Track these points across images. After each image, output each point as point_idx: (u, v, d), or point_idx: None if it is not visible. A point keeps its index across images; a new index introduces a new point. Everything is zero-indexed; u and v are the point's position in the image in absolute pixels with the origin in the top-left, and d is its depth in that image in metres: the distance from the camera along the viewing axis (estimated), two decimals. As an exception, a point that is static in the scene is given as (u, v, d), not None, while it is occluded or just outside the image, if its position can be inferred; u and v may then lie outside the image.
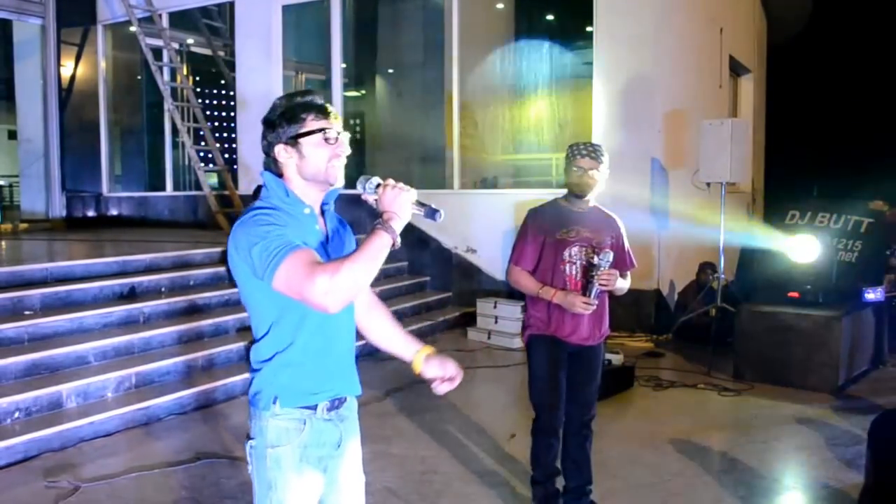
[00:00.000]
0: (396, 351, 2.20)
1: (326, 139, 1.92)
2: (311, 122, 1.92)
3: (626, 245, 3.48)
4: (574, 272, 3.32)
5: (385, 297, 7.84)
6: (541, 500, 3.48)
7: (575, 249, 3.32)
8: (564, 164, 3.44)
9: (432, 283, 8.64)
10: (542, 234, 3.36)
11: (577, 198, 3.40)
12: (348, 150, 1.97)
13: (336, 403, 2.03)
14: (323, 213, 2.02)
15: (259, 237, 1.79)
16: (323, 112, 1.93)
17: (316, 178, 1.94)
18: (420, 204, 1.89)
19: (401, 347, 2.19)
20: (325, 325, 1.95)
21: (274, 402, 1.94)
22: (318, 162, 1.92)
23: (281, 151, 1.93)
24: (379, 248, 1.78)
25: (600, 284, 3.20)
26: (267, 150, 1.96)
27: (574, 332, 3.33)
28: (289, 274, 1.74)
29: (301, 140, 1.91)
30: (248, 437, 2.00)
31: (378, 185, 1.89)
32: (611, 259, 3.19)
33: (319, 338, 1.95)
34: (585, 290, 3.25)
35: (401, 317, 7.54)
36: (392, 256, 8.20)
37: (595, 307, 3.25)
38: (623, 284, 3.33)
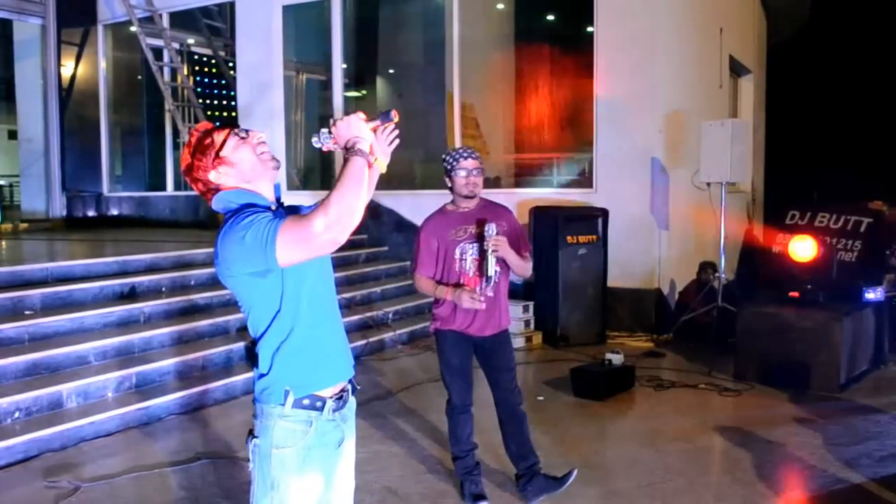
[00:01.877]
0: None
1: (240, 137, 2.01)
2: (217, 139, 2.00)
3: (520, 230, 3.77)
4: (467, 268, 3.60)
5: (387, 297, 7.85)
6: (463, 474, 3.75)
7: (464, 246, 3.60)
8: (447, 171, 3.65)
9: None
10: (435, 241, 3.63)
11: (466, 199, 3.64)
12: (264, 135, 2.06)
13: (340, 404, 2.06)
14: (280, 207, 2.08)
15: (245, 228, 1.83)
16: (220, 126, 2.03)
17: (256, 173, 2.01)
18: (372, 119, 1.98)
19: None
20: (316, 308, 2.02)
21: (286, 396, 1.96)
22: (248, 158, 2.00)
23: (217, 175, 1.99)
24: (356, 172, 1.82)
25: (494, 249, 3.43)
26: (205, 187, 2.02)
27: (471, 324, 3.63)
28: (287, 236, 1.79)
29: (222, 154, 1.99)
30: (252, 436, 2.01)
31: (329, 131, 1.96)
32: (494, 230, 3.42)
33: (315, 321, 2.01)
34: (481, 269, 3.50)
35: (402, 316, 7.54)
36: (393, 256, 8.19)
37: (482, 302, 3.48)
38: (521, 262, 3.61)
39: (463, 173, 3.58)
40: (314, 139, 2.01)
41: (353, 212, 1.78)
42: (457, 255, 3.59)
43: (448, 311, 3.64)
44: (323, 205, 1.77)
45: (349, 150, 1.87)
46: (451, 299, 3.54)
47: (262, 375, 2.00)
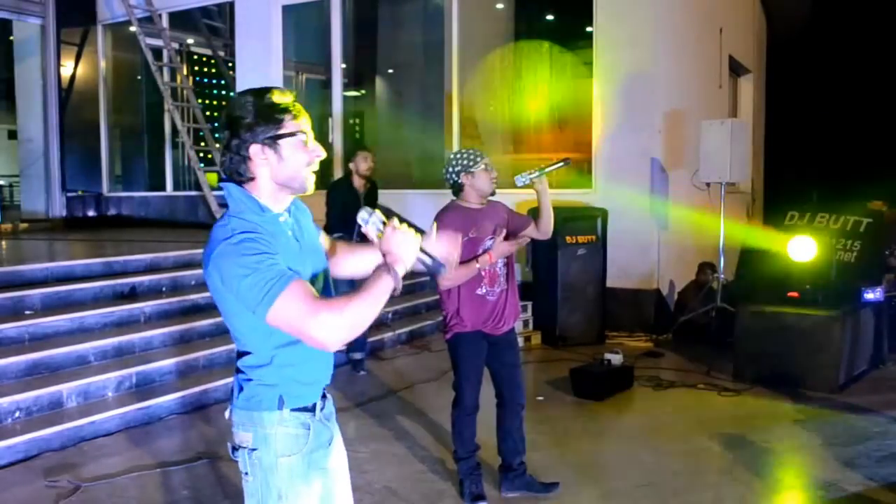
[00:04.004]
0: (369, 263, 2.01)
1: (305, 143, 1.85)
2: (290, 124, 1.82)
3: (515, 213, 3.91)
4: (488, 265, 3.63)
5: (385, 297, 7.84)
6: (465, 474, 3.76)
7: (488, 243, 3.64)
8: (465, 170, 3.61)
9: (431, 283, 8.64)
10: (457, 234, 3.54)
11: (484, 196, 3.68)
12: (323, 154, 1.89)
13: (324, 403, 2.03)
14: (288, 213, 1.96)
15: (249, 269, 1.69)
16: (300, 115, 1.85)
17: (289, 184, 1.86)
18: (425, 253, 1.81)
19: (369, 258, 2.09)
20: None
21: (280, 405, 1.88)
22: (296, 165, 1.84)
23: (258, 152, 1.81)
24: (383, 292, 1.73)
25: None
26: (237, 149, 1.81)
27: (500, 321, 3.69)
28: (287, 309, 1.67)
29: (280, 141, 1.81)
30: (241, 448, 1.90)
31: (383, 223, 1.81)
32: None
33: None
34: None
35: (399, 316, 7.54)
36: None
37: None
38: (541, 227, 3.76)
39: (489, 173, 3.61)
40: (360, 219, 1.83)
41: (362, 328, 1.72)
42: (480, 252, 3.61)
43: (471, 311, 3.62)
44: (340, 305, 1.66)
45: (385, 264, 1.76)
46: (497, 258, 3.58)
47: (244, 384, 1.90)
